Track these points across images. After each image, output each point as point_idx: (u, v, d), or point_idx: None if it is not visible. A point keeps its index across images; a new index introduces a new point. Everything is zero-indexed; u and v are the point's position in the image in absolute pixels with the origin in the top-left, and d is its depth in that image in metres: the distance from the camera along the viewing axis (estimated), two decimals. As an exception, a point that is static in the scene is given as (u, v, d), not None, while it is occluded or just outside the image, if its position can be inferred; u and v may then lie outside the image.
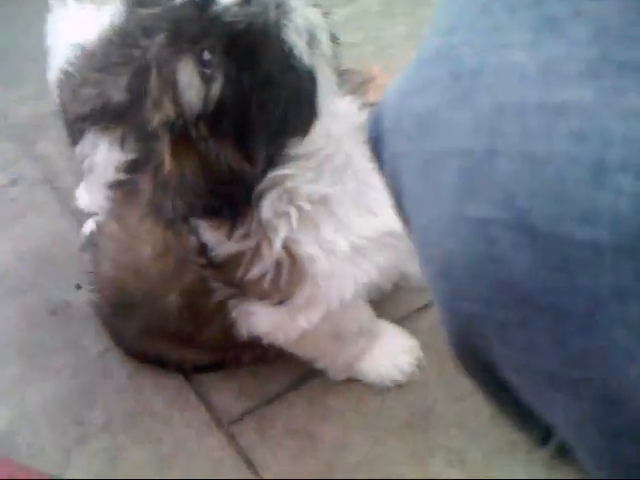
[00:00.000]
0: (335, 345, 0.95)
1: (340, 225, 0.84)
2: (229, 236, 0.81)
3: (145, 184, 0.89)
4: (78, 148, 1.20)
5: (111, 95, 1.07)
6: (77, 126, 1.18)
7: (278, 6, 0.70)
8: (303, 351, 0.97)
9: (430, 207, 0.43)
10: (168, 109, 0.73)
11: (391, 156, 0.47)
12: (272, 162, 0.76)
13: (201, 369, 1.05)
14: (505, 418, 0.54)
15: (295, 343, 0.93)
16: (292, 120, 0.75)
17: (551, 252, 0.37)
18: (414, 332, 1.03)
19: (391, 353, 0.99)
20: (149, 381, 1.07)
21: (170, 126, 0.74)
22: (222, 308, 0.91)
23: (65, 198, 1.38)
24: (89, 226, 1.24)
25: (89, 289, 1.10)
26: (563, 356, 0.39)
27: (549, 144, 0.37)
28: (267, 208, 0.79)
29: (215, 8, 0.70)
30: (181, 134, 0.74)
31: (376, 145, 0.49)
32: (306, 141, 0.77)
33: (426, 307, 1.06)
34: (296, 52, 0.71)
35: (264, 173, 0.77)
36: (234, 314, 0.91)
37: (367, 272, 0.87)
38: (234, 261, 0.83)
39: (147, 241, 0.93)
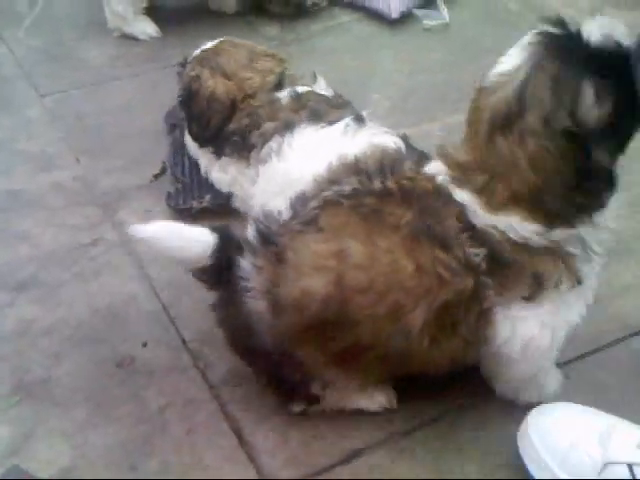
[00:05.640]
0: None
1: None
2: (551, 226, 0.95)
3: (399, 210, 0.98)
4: None
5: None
6: None
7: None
8: (529, 364, 1.06)
9: None
10: (563, 121, 0.90)
11: None
12: None
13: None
14: None
15: (531, 354, 1.03)
16: None
17: None
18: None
19: None
20: (204, 439, 1.14)
21: (564, 133, 0.90)
22: (481, 318, 1.00)
23: (139, 263, 1.49)
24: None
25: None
26: None
27: None
28: None
29: (597, 39, 0.90)
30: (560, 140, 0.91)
31: None
32: None
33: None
34: None
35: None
36: (498, 319, 1.00)
37: None
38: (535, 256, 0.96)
39: (408, 259, 0.97)
